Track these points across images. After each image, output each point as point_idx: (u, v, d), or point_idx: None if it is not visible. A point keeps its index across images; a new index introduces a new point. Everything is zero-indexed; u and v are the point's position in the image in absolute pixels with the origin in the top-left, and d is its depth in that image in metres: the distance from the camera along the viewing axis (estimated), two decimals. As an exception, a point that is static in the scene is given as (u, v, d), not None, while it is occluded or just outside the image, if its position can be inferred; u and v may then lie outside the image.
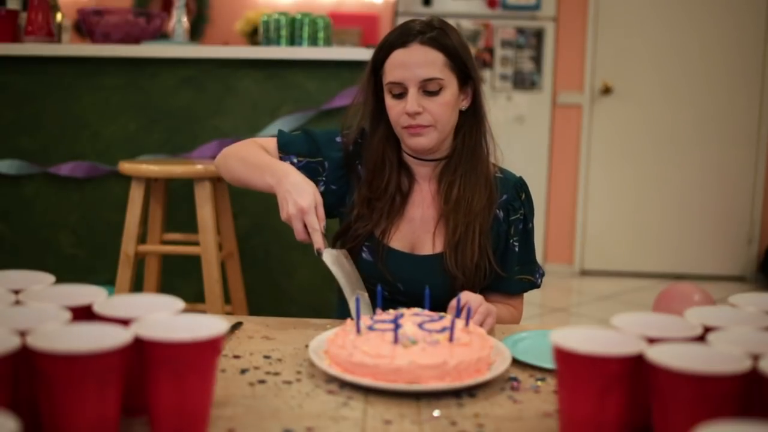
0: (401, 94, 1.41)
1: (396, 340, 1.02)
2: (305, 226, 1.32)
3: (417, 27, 1.42)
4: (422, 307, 1.41)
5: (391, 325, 1.05)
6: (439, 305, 1.43)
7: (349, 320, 1.15)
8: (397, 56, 1.40)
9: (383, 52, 1.43)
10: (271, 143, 1.52)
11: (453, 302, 1.26)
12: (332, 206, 1.50)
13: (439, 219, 1.46)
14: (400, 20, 4.86)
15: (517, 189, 1.51)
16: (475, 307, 1.26)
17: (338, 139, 1.51)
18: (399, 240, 1.47)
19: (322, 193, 1.43)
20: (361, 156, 1.51)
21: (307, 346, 1.16)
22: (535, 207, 1.55)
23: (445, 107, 1.41)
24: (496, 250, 1.48)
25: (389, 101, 1.43)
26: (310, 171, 1.47)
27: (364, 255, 1.46)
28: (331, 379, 1.05)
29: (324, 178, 1.49)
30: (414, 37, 1.40)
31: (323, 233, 1.32)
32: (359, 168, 1.51)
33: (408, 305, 1.43)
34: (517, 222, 1.49)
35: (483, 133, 1.48)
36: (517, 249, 1.49)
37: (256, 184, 1.41)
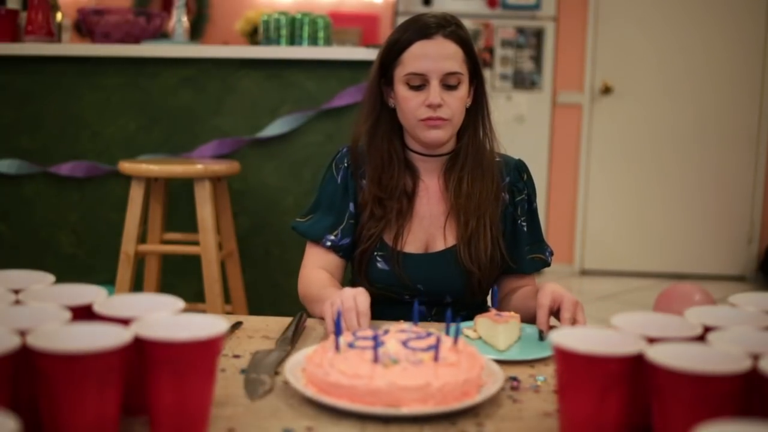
0: (420, 86, 1.40)
1: (376, 359, 0.93)
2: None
3: (435, 20, 1.41)
4: (444, 305, 1.41)
5: (372, 343, 0.96)
6: (459, 302, 1.44)
7: (331, 336, 1.04)
8: (420, 47, 1.40)
9: (402, 43, 1.41)
10: (309, 249, 1.49)
11: (544, 300, 1.24)
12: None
13: (448, 214, 1.46)
14: (401, 20, 4.85)
15: (519, 170, 1.52)
16: (570, 307, 1.22)
17: (339, 165, 1.49)
18: (412, 242, 1.46)
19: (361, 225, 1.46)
20: (359, 165, 1.49)
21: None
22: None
23: (461, 102, 1.43)
24: (505, 233, 1.48)
25: (405, 93, 1.41)
26: (347, 231, 1.47)
27: (378, 265, 1.45)
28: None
29: (353, 221, 1.48)
30: (437, 29, 1.40)
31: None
32: (360, 175, 1.49)
33: (430, 305, 1.44)
34: (523, 202, 1.51)
35: (488, 129, 1.49)
36: (525, 229, 1.50)
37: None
